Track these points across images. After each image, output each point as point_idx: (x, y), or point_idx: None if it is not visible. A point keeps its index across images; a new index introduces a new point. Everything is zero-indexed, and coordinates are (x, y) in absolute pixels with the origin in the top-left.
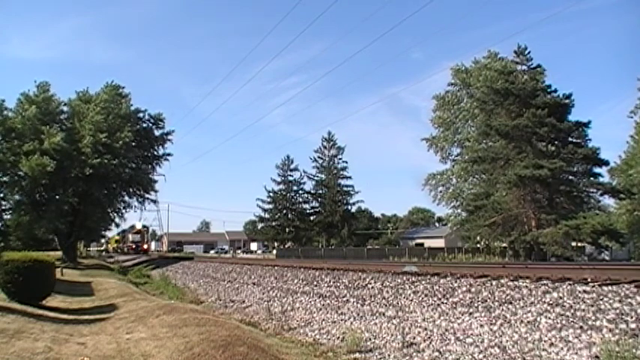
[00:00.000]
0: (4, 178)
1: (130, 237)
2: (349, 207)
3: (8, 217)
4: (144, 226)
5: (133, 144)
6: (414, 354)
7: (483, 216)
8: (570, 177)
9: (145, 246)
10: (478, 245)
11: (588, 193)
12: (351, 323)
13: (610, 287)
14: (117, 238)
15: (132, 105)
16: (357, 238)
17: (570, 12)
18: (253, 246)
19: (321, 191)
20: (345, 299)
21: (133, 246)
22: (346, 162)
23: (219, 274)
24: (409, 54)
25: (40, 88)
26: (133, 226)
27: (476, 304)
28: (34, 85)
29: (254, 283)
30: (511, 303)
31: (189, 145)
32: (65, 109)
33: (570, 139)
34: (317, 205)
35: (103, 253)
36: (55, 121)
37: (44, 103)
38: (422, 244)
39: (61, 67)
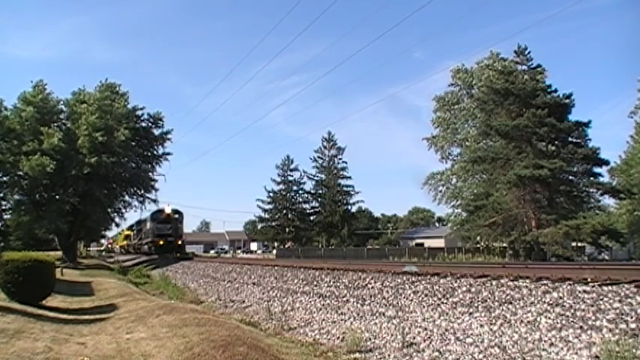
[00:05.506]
0: (4, 178)
1: (156, 228)
2: (349, 207)
3: (8, 217)
4: (175, 211)
5: (133, 143)
6: (414, 354)
7: (483, 216)
8: (570, 177)
9: (180, 241)
10: (478, 245)
11: (588, 193)
12: (351, 323)
13: (610, 287)
14: (127, 232)
15: (128, 103)
16: (357, 238)
17: (570, 12)
18: (253, 246)
19: (321, 191)
20: (345, 299)
21: (161, 241)
22: (346, 162)
23: (219, 274)
24: (410, 54)
25: (36, 89)
26: (160, 211)
27: (476, 304)
28: (30, 85)
29: (254, 283)
30: (511, 303)
31: (189, 145)
32: (64, 108)
33: (570, 139)
34: (317, 205)
35: (103, 253)
36: (54, 120)
37: (42, 103)
38: (422, 244)
39: (60, 66)
